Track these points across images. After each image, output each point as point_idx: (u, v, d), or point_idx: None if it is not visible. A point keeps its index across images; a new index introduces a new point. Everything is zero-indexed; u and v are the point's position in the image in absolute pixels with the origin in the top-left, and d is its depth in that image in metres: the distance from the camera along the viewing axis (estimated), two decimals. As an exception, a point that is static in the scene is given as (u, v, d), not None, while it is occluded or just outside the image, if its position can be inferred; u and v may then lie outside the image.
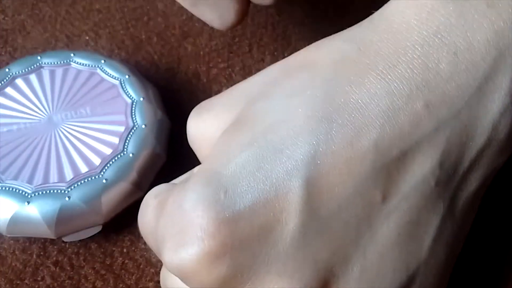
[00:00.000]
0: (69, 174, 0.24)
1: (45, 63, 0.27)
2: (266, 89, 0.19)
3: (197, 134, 0.20)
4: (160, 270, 0.25)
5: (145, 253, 0.25)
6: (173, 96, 0.30)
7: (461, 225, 0.19)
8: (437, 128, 0.17)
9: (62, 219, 0.23)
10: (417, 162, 0.17)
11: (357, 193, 0.17)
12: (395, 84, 0.17)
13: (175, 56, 0.31)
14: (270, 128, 0.17)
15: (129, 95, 0.26)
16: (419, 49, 0.18)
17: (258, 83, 0.20)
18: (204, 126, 0.20)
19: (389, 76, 0.17)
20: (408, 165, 0.17)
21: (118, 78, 0.27)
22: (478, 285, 0.24)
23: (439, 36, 0.18)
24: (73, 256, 0.25)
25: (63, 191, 0.23)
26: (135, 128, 0.25)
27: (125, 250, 0.25)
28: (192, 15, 0.28)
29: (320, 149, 0.17)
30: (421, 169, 0.17)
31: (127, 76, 0.27)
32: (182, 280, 0.17)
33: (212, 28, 0.32)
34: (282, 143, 0.17)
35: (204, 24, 0.31)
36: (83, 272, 0.25)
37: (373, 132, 0.17)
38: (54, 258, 0.25)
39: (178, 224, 0.17)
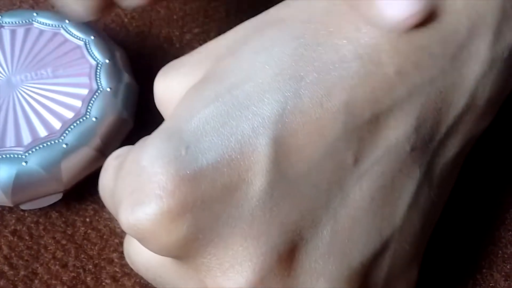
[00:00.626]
0: (27, 138, 0.22)
1: (5, 22, 0.26)
2: (235, 46, 0.18)
3: (164, 94, 0.19)
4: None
5: (109, 222, 0.24)
6: (143, 61, 0.28)
7: (438, 193, 0.18)
8: (410, 94, 0.17)
9: (19, 185, 0.22)
10: (390, 126, 0.17)
11: (328, 154, 0.16)
12: (366, 48, 0.17)
13: (146, 19, 0.30)
14: (236, 84, 0.17)
15: (94, 57, 0.25)
16: None
17: (228, 40, 0.19)
18: (171, 85, 0.19)
19: (360, 40, 0.17)
20: (381, 129, 0.16)
21: (82, 39, 0.25)
22: (455, 256, 0.23)
23: None
24: (32, 225, 0.24)
25: (20, 156, 0.22)
26: (99, 91, 0.24)
27: (87, 219, 0.24)
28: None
29: (288, 107, 0.16)
30: (395, 133, 0.17)
31: (92, 37, 0.25)
32: (140, 242, 0.16)
33: (186, -9, 0.30)
34: (248, 99, 0.16)
35: (177, -14, 0.30)
36: (42, 242, 0.23)
37: (344, 93, 0.16)
38: (12, 227, 0.24)
39: (135, 182, 0.16)
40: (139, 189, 0.16)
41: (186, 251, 0.16)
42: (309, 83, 0.16)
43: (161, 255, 0.16)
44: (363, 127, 0.16)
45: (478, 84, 0.17)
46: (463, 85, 0.17)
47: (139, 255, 0.19)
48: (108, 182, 0.18)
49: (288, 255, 0.16)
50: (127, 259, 0.20)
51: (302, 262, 0.16)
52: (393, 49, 0.17)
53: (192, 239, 0.15)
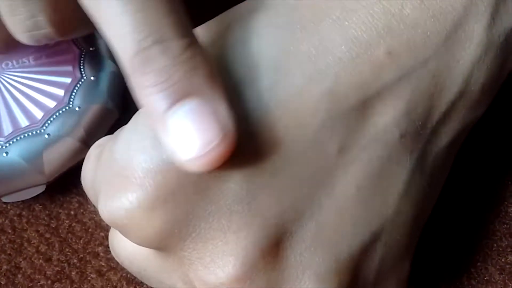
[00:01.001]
0: (7, 128, 0.22)
1: (-14, 9, 0.25)
2: (218, 34, 0.17)
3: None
4: (110, 234, 0.23)
5: (94, 215, 0.23)
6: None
7: (431, 182, 0.18)
8: (401, 77, 0.16)
9: (0, 177, 0.21)
10: (378, 112, 0.16)
11: (307, 145, 0.15)
12: (353, 31, 0.16)
13: (134, 7, 0.29)
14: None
15: (78, 45, 0.24)
16: None
17: (210, 27, 0.18)
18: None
19: (346, 22, 0.16)
20: (368, 115, 0.16)
21: (66, 26, 0.24)
22: (450, 250, 0.23)
23: None
24: (15, 218, 0.23)
25: (0, 147, 0.21)
26: (83, 80, 0.23)
27: (72, 212, 0.23)
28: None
29: (265, 100, 0.15)
30: (384, 119, 0.16)
31: (76, 24, 0.24)
32: (120, 233, 0.16)
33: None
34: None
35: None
36: (26, 236, 0.23)
37: (326, 80, 0.15)
38: (-6, 220, 0.23)
39: (109, 175, 0.16)
40: (114, 178, 0.15)
41: (165, 244, 0.15)
42: (287, 74, 0.15)
43: (144, 247, 0.16)
44: (349, 114, 0.16)
45: (473, 68, 0.17)
46: (457, 69, 0.17)
47: (123, 248, 0.18)
48: (89, 172, 0.18)
49: (272, 249, 0.15)
50: (112, 252, 0.19)
51: (287, 255, 0.15)
52: (384, 27, 0.16)
53: (168, 233, 0.15)
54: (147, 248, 0.17)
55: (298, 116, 0.15)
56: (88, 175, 0.18)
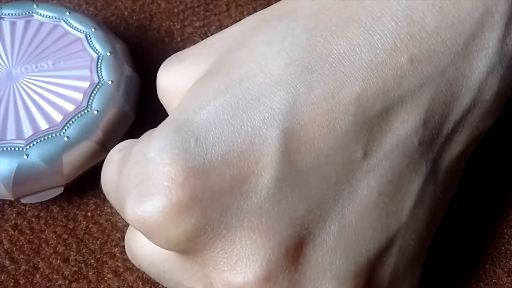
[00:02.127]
0: (28, 131, 0.22)
1: (5, 14, 0.25)
2: (243, 39, 0.18)
3: (167, 85, 0.19)
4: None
5: (110, 217, 0.24)
6: (144, 55, 0.28)
7: (443, 190, 0.18)
8: (422, 84, 0.16)
9: (20, 178, 0.21)
10: (400, 119, 0.16)
11: (337, 147, 0.16)
12: (379, 36, 0.16)
13: (147, 12, 0.30)
14: (246, 75, 0.16)
15: (95, 49, 0.24)
16: (403, 1, 0.17)
17: (234, 33, 0.19)
18: (175, 77, 0.19)
19: (372, 28, 0.16)
20: (391, 122, 0.16)
21: (83, 31, 0.25)
22: (458, 252, 0.23)
23: None
24: (33, 219, 0.23)
25: (21, 149, 0.22)
26: (100, 84, 0.23)
27: (89, 213, 0.24)
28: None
29: (300, 99, 0.16)
30: (405, 127, 0.16)
31: (93, 30, 0.25)
32: (146, 236, 0.16)
33: (187, -16, 0.30)
34: (258, 91, 0.16)
35: (179, -21, 0.29)
36: (43, 237, 0.23)
37: (356, 84, 0.16)
38: (13, 221, 0.23)
39: (142, 174, 0.15)
40: (146, 180, 0.15)
41: (193, 244, 0.16)
42: (321, 75, 0.16)
43: (167, 249, 0.16)
44: (373, 120, 0.16)
45: (487, 77, 0.17)
46: (472, 77, 0.17)
47: (142, 250, 0.18)
48: (111, 176, 0.18)
49: (295, 249, 0.15)
50: (128, 254, 0.19)
51: (309, 257, 0.16)
52: (407, 35, 0.16)
53: (200, 232, 0.15)
54: (167, 251, 0.17)
55: (330, 118, 0.16)
56: (110, 179, 0.18)
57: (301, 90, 0.16)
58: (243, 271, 0.15)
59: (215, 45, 0.19)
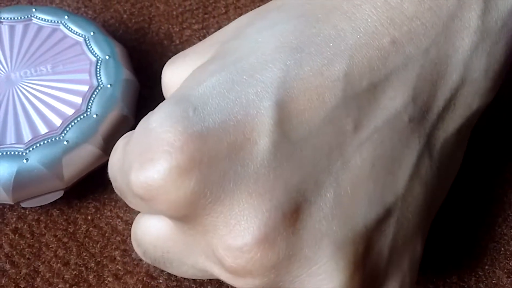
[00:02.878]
0: (27, 135, 0.22)
1: (4, 18, 0.25)
2: (238, 31, 0.19)
3: (171, 81, 0.20)
4: (126, 238, 0.23)
5: (111, 220, 0.24)
6: (143, 58, 0.28)
7: (441, 167, 0.19)
8: (406, 64, 0.17)
9: (20, 182, 0.21)
10: (388, 96, 0.17)
11: (328, 120, 0.17)
12: (360, 21, 0.17)
13: (146, 15, 0.30)
14: (239, 57, 0.17)
15: (94, 53, 0.24)
16: None
17: (230, 28, 0.20)
18: (178, 72, 0.20)
19: (354, 15, 0.18)
20: (379, 98, 0.17)
21: (82, 35, 0.25)
22: (458, 253, 0.23)
23: None
24: (34, 223, 0.23)
25: (20, 153, 0.22)
26: (99, 88, 0.23)
27: (89, 217, 0.24)
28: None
29: (290, 74, 0.17)
30: (393, 103, 0.17)
31: (92, 33, 0.25)
32: (150, 203, 0.17)
33: (185, -13, 0.30)
34: (251, 68, 0.17)
35: (177, -19, 0.29)
36: (44, 240, 0.23)
37: (342, 63, 0.17)
38: (13, 225, 0.23)
39: (144, 143, 0.16)
40: (147, 148, 0.16)
41: (193, 209, 0.16)
42: (309, 54, 0.17)
43: (170, 216, 0.17)
44: (362, 96, 0.17)
45: (471, 55, 0.18)
46: (456, 56, 0.18)
47: (148, 234, 0.19)
48: (117, 160, 0.18)
49: (292, 214, 0.16)
50: (134, 244, 0.20)
51: (306, 222, 0.16)
52: (386, 19, 0.17)
53: (200, 195, 0.16)
54: (170, 228, 0.18)
55: (319, 92, 0.16)
56: (116, 163, 0.18)
57: (291, 67, 0.17)
58: (241, 234, 0.16)
59: (213, 42, 0.20)
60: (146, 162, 0.16)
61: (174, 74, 0.20)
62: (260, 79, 0.17)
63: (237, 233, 0.16)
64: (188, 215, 0.16)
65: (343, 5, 0.18)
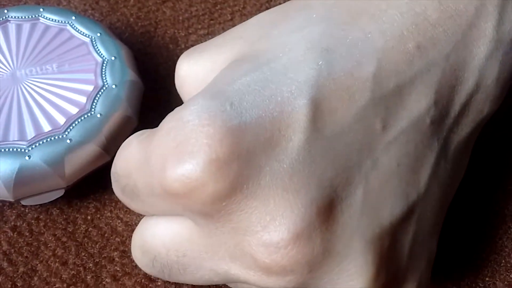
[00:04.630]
0: (30, 133, 0.22)
1: (12, 16, 0.25)
2: (263, 32, 0.19)
3: (187, 76, 0.20)
4: (126, 239, 0.23)
5: (110, 221, 0.24)
6: (148, 61, 0.28)
7: (453, 169, 0.19)
8: (429, 68, 0.18)
9: (21, 179, 0.21)
10: (413, 99, 0.18)
11: (358, 118, 0.17)
12: (387, 25, 0.18)
13: (152, 19, 0.30)
14: (272, 59, 0.18)
15: (100, 54, 0.24)
16: None
17: (254, 26, 0.20)
18: (196, 67, 0.20)
19: (381, 19, 0.18)
20: (405, 100, 0.18)
21: (88, 35, 0.25)
22: (458, 265, 0.23)
23: None
24: (33, 221, 0.23)
25: (23, 150, 0.22)
26: (104, 88, 0.23)
27: (89, 217, 0.24)
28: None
29: (322, 74, 0.17)
30: (417, 106, 0.18)
31: (98, 34, 0.25)
32: (183, 198, 0.16)
33: (192, -7, 0.30)
34: (284, 68, 0.17)
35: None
36: (42, 239, 0.23)
37: (371, 65, 0.17)
38: (12, 223, 0.23)
39: (180, 136, 0.16)
40: (185, 141, 0.16)
41: (228, 203, 0.16)
42: (340, 55, 0.17)
43: (200, 212, 0.16)
44: (389, 97, 0.17)
45: (486, 63, 0.19)
46: (473, 63, 0.19)
47: (159, 236, 0.18)
48: (133, 154, 0.18)
49: (326, 209, 0.16)
50: (137, 250, 0.19)
51: (338, 217, 0.16)
52: (412, 24, 0.18)
53: (237, 189, 0.16)
54: (189, 229, 0.18)
55: (350, 92, 0.17)
56: (133, 158, 0.18)
57: (323, 67, 0.17)
58: (277, 229, 0.16)
59: (234, 36, 0.20)
60: (185, 155, 0.16)
61: (191, 67, 0.20)
62: (294, 78, 0.17)
63: (272, 228, 0.16)
64: (221, 211, 0.16)
65: (370, 9, 0.18)
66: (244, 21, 0.31)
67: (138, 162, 0.18)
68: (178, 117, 0.16)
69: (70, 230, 0.23)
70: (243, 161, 0.16)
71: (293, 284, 0.16)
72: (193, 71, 0.20)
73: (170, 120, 0.17)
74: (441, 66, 0.18)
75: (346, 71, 0.17)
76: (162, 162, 0.16)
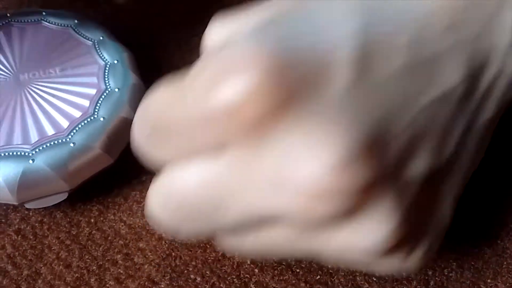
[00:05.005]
0: (34, 136, 0.22)
1: (14, 20, 0.26)
2: (299, 1, 0.19)
3: (218, 40, 0.19)
4: (129, 242, 0.23)
5: (114, 224, 0.24)
6: (151, 63, 0.28)
7: (476, 146, 0.20)
8: (459, 47, 0.19)
9: (25, 183, 0.22)
10: (445, 71, 0.18)
11: (394, 78, 0.17)
12: (424, 4, 0.19)
13: (154, 23, 0.30)
14: (315, 10, 0.18)
15: (103, 57, 0.25)
16: None
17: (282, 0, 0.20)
18: (231, 25, 0.19)
19: None
20: (439, 72, 0.18)
21: (91, 39, 0.25)
22: (460, 267, 0.23)
23: None
24: (37, 224, 0.23)
25: (26, 154, 0.22)
26: (107, 92, 0.24)
27: (92, 220, 0.24)
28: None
29: (369, 25, 0.18)
30: (449, 80, 0.18)
31: (101, 38, 0.25)
32: (231, 118, 0.16)
33: (194, -5, 0.30)
34: (330, 21, 0.18)
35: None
36: (46, 242, 0.23)
37: (407, 33, 0.18)
38: (16, 226, 0.23)
39: (230, 55, 0.16)
40: (238, 60, 0.16)
41: (278, 123, 0.16)
42: (379, 19, 0.18)
43: (249, 134, 0.16)
44: (424, 65, 0.18)
45: (508, 50, 0.19)
46: (498, 48, 0.19)
47: (188, 182, 0.18)
48: (165, 93, 0.17)
49: (371, 146, 0.16)
50: (162, 194, 0.18)
51: (382, 155, 0.17)
52: (447, 5, 0.19)
53: (289, 109, 0.16)
54: (226, 161, 0.17)
55: (388, 55, 0.17)
56: (165, 96, 0.17)
57: (369, 20, 0.18)
58: (326, 155, 0.16)
59: (264, 6, 0.19)
60: (238, 72, 0.16)
61: (223, 32, 0.19)
62: (340, 27, 0.17)
63: (321, 154, 0.16)
64: (267, 132, 0.16)
65: None
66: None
67: (172, 98, 0.17)
68: (233, 44, 0.16)
69: (74, 233, 0.23)
70: (294, 83, 0.16)
71: (332, 212, 0.16)
72: (224, 34, 0.19)
73: (211, 52, 0.17)
74: (472, 45, 0.19)
75: (387, 34, 0.18)
76: (208, 85, 0.16)
